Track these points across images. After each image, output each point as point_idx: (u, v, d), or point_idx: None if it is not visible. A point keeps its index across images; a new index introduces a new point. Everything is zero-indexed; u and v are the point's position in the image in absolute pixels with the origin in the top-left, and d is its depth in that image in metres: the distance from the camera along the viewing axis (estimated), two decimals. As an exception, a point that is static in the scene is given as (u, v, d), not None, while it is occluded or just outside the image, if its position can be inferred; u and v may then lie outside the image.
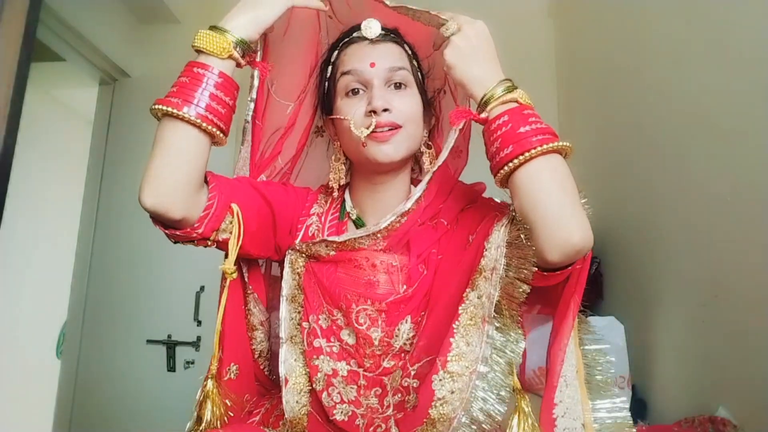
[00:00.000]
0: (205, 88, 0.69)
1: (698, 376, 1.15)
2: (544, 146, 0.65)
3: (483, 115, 0.69)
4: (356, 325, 0.78)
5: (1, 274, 2.92)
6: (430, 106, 0.89)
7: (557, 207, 0.65)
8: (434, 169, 0.75)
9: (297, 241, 0.84)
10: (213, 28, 0.73)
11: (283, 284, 0.83)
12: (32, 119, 3.02)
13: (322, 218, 0.86)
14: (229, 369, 0.81)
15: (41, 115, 3.19)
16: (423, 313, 0.78)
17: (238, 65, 0.74)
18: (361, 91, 0.80)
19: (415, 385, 0.76)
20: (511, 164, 0.66)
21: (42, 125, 3.18)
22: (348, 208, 0.87)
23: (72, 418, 2.17)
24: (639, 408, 1.33)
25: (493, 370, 0.65)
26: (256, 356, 0.88)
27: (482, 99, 0.69)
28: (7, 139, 0.87)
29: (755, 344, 0.95)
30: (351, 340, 0.79)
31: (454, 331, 0.69)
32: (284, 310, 0.83)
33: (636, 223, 1.53)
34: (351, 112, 0.79)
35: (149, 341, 2.11)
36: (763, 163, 0.94)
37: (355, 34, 0.84)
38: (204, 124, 0.68)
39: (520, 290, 0.65)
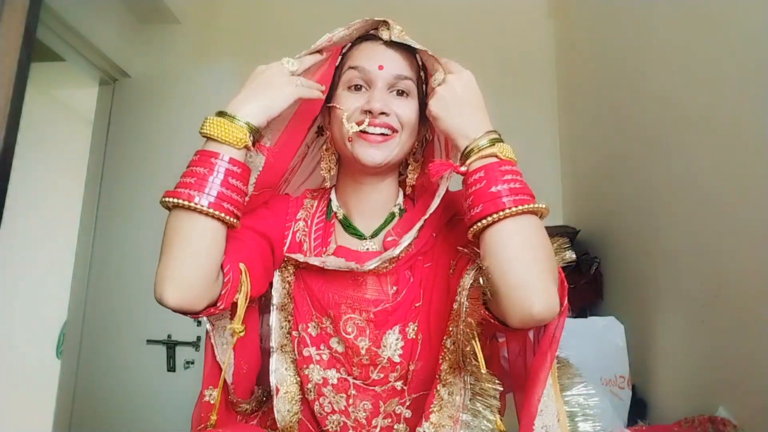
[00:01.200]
0: (216, 176, 0.66)
1: (698, 376, 1.15)
2: (513, 208, 0.63)
3: (462, 169, 0.68)
4: (344, 334, 0.78)
5: (1, 274, 2.92)
6: (426, 120, 0.87)
7: (520, 274, 0.62)
8: (426, 217, 0.75)
9: (284, 250, 0.83)
10: (222, 114, 0.70)
11: (273, 293, 0.83)
12: (32, 119, 3.02)
13: (308, 222, 0.85)
14: (209, 394, 0.80)
15: (41, 115, 3.19)
16: (412, 324, 0.78)
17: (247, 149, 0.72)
18: (363, 89, 0.79)
19: (407, 415, 0.77)
20: (479, 224, 0.64)
21: (42, 125, 3.18)
22: (334, 208, 0.86)
23: (72, 418, 2.17)
24: (639, 408, 1.33)
25: (476, 416, 0.66)
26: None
27: (464, 151, 0.68)
28: (7, 139, 0.87)
29: (755, 344, 0.95)
30: (340, 348, 0.79)
31: (438, 380, 0.71)
32: (274, 318, 0.83)
33: (636, 223, 1.53)
34: (348, 104, 0.78)
35: (149, 341, 2.11)
36: (763, 164, 0.94)
37: (372, 32, 0.83)
38: (220, 214, 0.66)
39: (477, 332, 0.66)
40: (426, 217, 0.75)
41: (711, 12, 1.14)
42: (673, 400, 1.25)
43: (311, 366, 0.80)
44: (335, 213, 0.86)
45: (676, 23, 1.30)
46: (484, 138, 0.67)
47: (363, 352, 0.77)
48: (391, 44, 0.81)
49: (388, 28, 0.80)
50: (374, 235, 0.83)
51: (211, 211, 0.65)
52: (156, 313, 2.17)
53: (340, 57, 0.84)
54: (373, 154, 0.77)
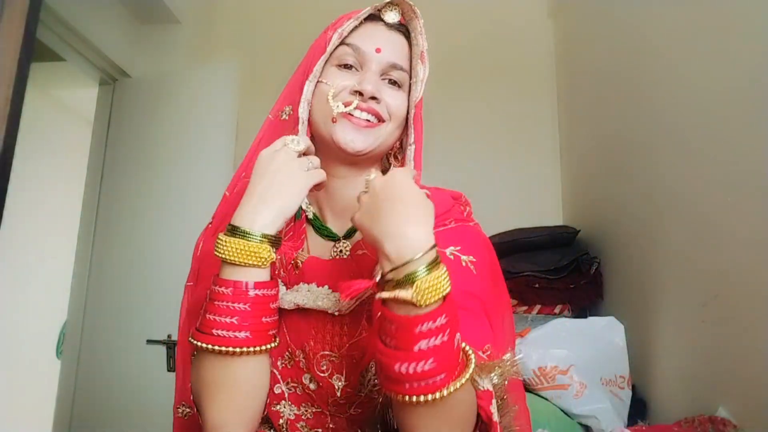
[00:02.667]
0: (248, 306, 0.60)
1: (698, 376, 1.15)
2: (415, 397, 0.50)
3: (378, 296, 0.53)
4: (317, 372, 0.70)
5: (1, 275, 2.92)
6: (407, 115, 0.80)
7: None
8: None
9: None
10: (235, 232, 0.60)
11: None
12: (32, 119, 3.02)
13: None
14: (180, 408, 0.77)
15: (41, 115, 3.19)
16: None
17: None
18: (354, 69, 0.73)
19: None
20: (380, 399, 0.59)
21: (42, 125, 3.18)
22: (303, 206, 0.77)
23: (72, 418, 2.17)
24: (639, 408, 1.33)
25: None
26: None
27: (382, 277, 0.53)
28: (7, 139, 0.87)
29: (755, 344, 0.95)
30: (312, 386, 0.71)
31: None
32: None
33: (636, 223, 1.53)
34: (336, 82, 0.72)
35: (149, 341, 2.10)
36: (762, 163, 0.94)
37: (373, 13, 0.76)
38: (267, 346, 0.62)
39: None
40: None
41: (712, 13, 1.14)
42: (673, 400, 1.25)
43: (282, 402, 0.73)
44: (304, 212, 0.78)
45: (677, 23, 1.30)
46: (412, 265, 0.50)
47: (339, 393, 0.69)
48: (393, 26, 0.75)
49: (392, 9, 0.74)
50: (348, 235, 0.76)
51: (258, 348, 0.60)
52: (156, 313, 2.19)
53: (334, 33, 0.76)
54: (354, 139, 0.70)
